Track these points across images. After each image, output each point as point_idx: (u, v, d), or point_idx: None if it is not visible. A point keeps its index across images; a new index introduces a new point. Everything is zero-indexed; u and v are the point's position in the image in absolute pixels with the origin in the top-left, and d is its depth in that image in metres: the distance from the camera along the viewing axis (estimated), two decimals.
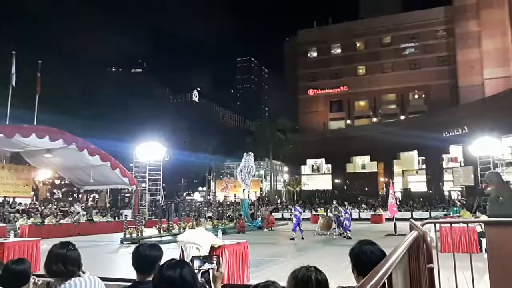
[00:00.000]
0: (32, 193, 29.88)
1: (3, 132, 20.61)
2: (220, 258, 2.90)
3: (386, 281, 1.66)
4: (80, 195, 36.04)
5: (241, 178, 31.24)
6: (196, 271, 3.08)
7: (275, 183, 58.12)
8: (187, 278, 2.05)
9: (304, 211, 30.37)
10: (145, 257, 2.66)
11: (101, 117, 43.23)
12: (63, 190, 37.66)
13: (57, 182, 36.62)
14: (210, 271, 2.85)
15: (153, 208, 29.11)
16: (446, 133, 46.81)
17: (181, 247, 7.34)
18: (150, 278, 2.55)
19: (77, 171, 27.58)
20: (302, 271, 2.02)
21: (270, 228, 25.80)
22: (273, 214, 28.95)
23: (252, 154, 32.42)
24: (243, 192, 31.04)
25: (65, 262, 2.63)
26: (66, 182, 34.75)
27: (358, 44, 69.33)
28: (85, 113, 40.46)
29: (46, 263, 2.69)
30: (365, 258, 2.40)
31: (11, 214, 22.87)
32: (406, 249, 2.44)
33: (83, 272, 2.78)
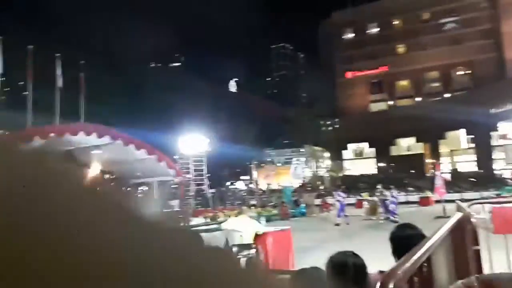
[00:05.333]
0: None
1: (53, 131, 21.69)
2: (259, 246, 2.97)
3: (425, 264, 1.65)
4: (129, 188, 37.42)
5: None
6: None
7: (317, 169, 57.78)
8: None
9: (348, 196, 30.07)
10: None
11: (143, 112, 44.48)
12: (112, 184, 39.19)
13: (106, 176, 38.15)
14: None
15: (199, 198, 29.81)
16: (494, 109, 44.67)
17: (226, 235, 7.52)
18: None
19: (125, 165, 28.56)
20: (339, 256, 2.05)
21: (328, 211, 25.75)
22: (326, 199, 28.91)
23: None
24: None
25: None
26: (115, 176, 36.11)
27: (395, 22, 66.99)
28: (128, 109, 41.76)
29: None
30: (405, 243, 2.38)
31: None
32: (448, 231, 2.40)
33: None
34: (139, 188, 38.51)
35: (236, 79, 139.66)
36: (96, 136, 23.33)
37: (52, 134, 21.36)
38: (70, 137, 22.61)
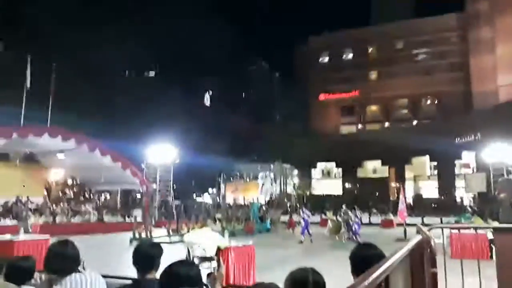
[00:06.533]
0: (45, 192, 30.24)
1: (17, 132, 20.98)
2: (221, 260, 2.92)
3: (383, 283, 1.64)
4: (91, 195, 36.32)
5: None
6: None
7: (285, 187, 57.99)
8: (194, 278, 2.13)
9: (313, 215, 30.20)
10: (145, 255, 2.69)
11: (113, 120, 43.69)
12: (74, 190, 37.96)
13: (69, 181, 36.95)
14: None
15: (163, 209, 29.23)
16: (458, 139, 46.29)
17: (188, 247, 7.37)
18: (150, 276, 2.59)
19: (89, 171, 27.89)
20: (299, 272, 2.02)
21: (292, 231, 25.52)
22: (292, 217, 28.72)
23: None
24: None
25: (63, 259, 2.66)
26: (78, 182, 35.07)
27: (370, 50, 69.03)
28: (97, 116, 40.91)
29: (46, 260, 2.73)
30: (364, 262, 2.36)
31: (24, 212, 23.16)
32: (407, 252, 2.41)
33: (84, 269, 2.81)
34: (102, 196, 37.59)
35: (211, 93, 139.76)
36: (61, 139, 22.74)
37: (15, 134, 20.69)
38: (34, 139, 21.93)
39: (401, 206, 21.03)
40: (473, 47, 58.75)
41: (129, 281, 2.83)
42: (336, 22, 70.29)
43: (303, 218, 20.09)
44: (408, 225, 20.17)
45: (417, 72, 64.92)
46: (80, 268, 2.78)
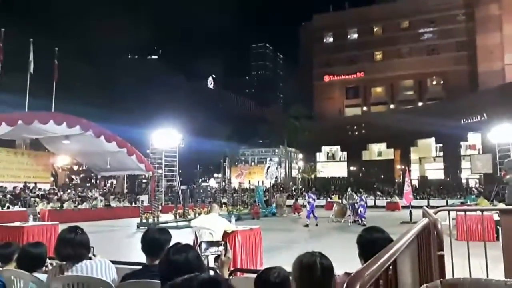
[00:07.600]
0: (51, 178, 30.53)
1: (22, 119, 21.07)
2: (228, 244, 2.94)
3: (391, 267, 1.65)
4: (97, 181, 36.66)
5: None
6: (205, 255, 3.13)
7: (289, 170, 58.11)
8: (193, 262, 2.07)
9: (318, 198, 30.27)
10: (154, 240, 2.71)
11: (117, 104, 43.72)
12: (81, 176, 38.33)
13: (75, 168, 37.28)
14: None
15: (169, 194, 29.48)
16: (464, 120, 45.98)
17: (195, 232, 7.45)
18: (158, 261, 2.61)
19: (95, 157, 28.07)
20: (307, 256, 2.04)
21: (298, 215, 25.54)
22: (298, 200, 28.70)
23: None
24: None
25: (74, 246, 2.69)
26: (84, 168, 35.35)
27: (375, 29, 68.07)
28: (101, 100, 40.94)
29: (56, 247, 2.76)
30: (372, 246, 2.37)
31: (32, 199, 23.43)
32: (414, 235, 2.42)
33: (94, 255, 2.85)
34: (108, 181, 37.87)
35: (214, 76, 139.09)
36: (66, 125, 22.83)
37: (20, 121, 20.78)
38: (40, 125, 22.03)
39: (407, 189, 21.04)
40: (480, 25, 57.68)
41: (139, 267, 2.87)
42: (342, 1, 68.61)
43: (309, 202, 20.15)
44: (414, 207, 20.21)
45: (423, 51, 64.11)
46: (90, 254, 2.82)
